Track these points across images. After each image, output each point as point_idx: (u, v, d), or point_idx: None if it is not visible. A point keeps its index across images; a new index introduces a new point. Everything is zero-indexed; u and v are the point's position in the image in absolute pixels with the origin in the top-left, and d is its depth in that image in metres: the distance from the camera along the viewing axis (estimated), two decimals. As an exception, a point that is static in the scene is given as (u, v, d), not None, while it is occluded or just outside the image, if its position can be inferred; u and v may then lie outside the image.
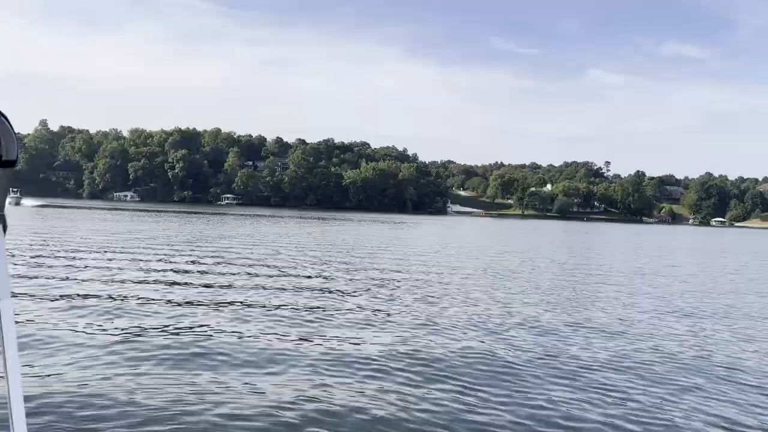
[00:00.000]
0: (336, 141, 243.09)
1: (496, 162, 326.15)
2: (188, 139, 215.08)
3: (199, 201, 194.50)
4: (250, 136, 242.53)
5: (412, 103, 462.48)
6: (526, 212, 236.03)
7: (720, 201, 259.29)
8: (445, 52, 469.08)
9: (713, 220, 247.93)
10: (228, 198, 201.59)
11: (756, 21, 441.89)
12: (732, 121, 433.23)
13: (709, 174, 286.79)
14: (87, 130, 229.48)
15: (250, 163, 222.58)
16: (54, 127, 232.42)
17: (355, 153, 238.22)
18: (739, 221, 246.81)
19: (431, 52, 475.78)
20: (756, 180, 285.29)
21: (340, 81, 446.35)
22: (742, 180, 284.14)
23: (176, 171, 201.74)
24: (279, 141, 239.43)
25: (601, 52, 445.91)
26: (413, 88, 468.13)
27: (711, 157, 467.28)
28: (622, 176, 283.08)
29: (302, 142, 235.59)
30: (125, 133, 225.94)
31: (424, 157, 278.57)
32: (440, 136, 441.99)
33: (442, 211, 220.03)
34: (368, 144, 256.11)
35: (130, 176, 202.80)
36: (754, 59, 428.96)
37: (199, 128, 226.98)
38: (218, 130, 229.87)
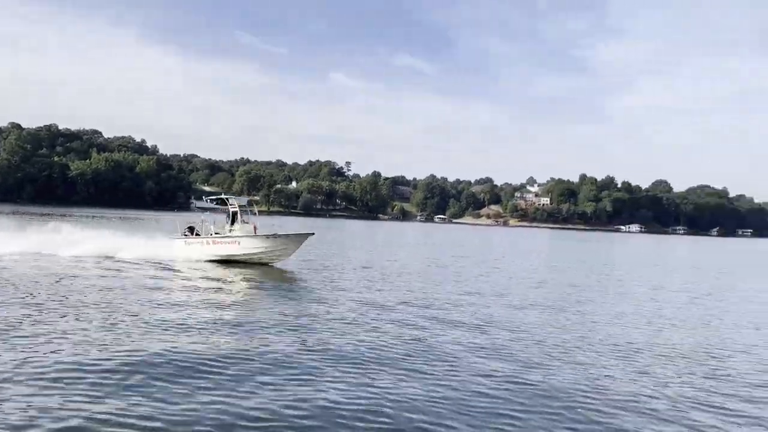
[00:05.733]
0: (60, 127, 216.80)
1: (243, 158, 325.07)
2: None
3: None
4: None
5: (150, 92, 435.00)
6: (272, 209, 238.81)
7: (442, 200, 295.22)
8: (185, 40, 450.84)
9: (436, 216, 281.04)
10: None
11: (472, 44, 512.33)
12: (451, 130, 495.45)
13: (433, 176, 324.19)
14: None
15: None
16: None
17: (84, 142, 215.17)
18: (456, 218, 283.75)
19: (171, 40, 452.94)
20: (469, 182, 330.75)
21: (64, 61, 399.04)
22: (458, 182, 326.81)
23: None
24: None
25: (345, 57, 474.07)
26: (151, 76, 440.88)
27: (435, 161, 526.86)
28: (361, 176, 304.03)
29: (17, 126, 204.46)
30: None
31: (165, 150, 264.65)
32: (183, 130, 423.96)
33: (185, 207, 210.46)
34: (100, 133, 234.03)
35: None
36: (468, 77, 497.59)
37: None
38: None
